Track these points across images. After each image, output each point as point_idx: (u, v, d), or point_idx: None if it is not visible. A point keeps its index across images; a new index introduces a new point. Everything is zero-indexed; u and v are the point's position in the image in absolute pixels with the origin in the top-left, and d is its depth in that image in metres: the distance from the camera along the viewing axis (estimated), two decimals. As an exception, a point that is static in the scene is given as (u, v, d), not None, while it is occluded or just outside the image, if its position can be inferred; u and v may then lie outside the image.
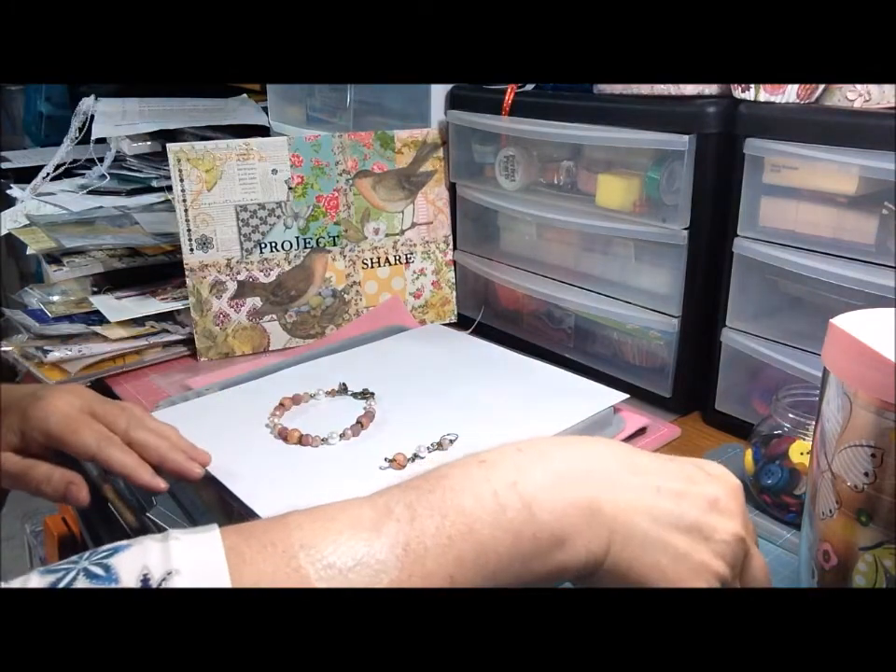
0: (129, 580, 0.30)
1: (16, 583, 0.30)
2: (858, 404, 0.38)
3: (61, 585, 0.30)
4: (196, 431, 0.66)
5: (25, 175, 1.24)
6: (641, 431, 0.70)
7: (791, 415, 0.57)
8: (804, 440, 0.56)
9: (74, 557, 0.31)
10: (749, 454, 0.59)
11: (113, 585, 0.29)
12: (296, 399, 0.71)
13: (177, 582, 0.30)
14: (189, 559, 0.31)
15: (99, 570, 0.30)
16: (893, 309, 0.40)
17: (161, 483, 0.53)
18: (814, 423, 0.43)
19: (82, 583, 0.30)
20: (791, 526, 0.57)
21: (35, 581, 0.30)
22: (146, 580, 0.30)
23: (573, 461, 0.37)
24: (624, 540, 0.36)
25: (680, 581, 0.37)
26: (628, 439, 0.69)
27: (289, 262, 0.90)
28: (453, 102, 0.90)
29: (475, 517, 0.34)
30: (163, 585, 0.30)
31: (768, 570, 0.41)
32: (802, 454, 0.55)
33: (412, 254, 0.95)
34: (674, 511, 0.37)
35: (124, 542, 0.32)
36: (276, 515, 0.35)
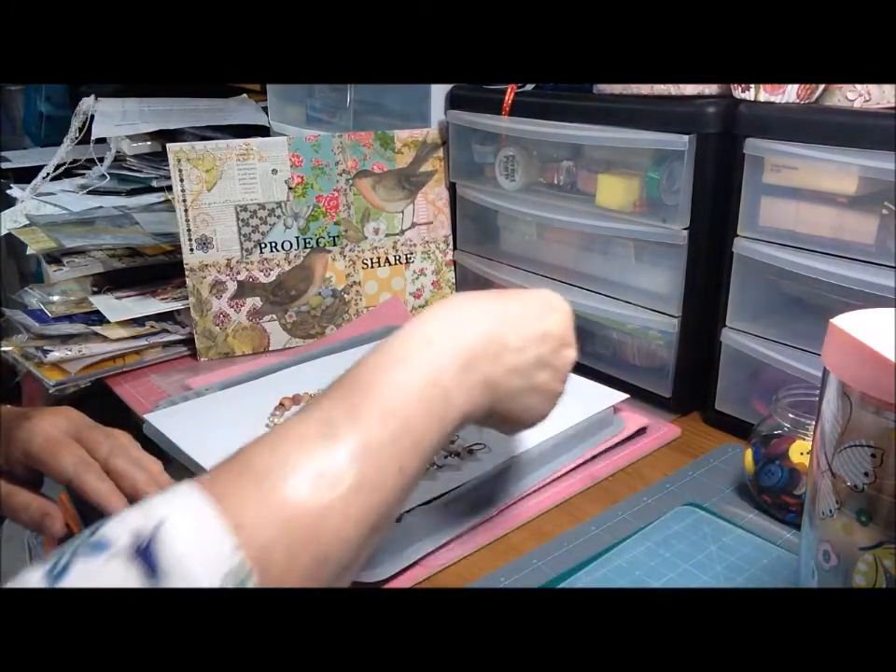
0: (122, 543, 0.31)
1: (17, 582, 0.31)
2: (858, 404, 0.38)
3: (58, 569, 0.31)
4: (196, 431, 0.66)
5: (25, 175, 1.24)
6: (641, 431, 0.70)
7: (791, 415, 0.57)
8: (804, 440, 0.56)
9: (64, 546, 0.32)
10: (748, 454, 0.59)
11: (108, 551, 0.31)
12: (296, 399, 0.71)
13: (168, 529, 0.32)
14: (172, 507, 0.33)
15: (92, 543, 0.32)
16: (893, 309, 0.40)
17: None
18: (814, 423, 0.43)
19: (80, 563, 0.31)
20: (791, 526, 0.57)
21: (34, 574, 0.31)
22: (139, 536, 0.31)
23: (471, 345, 0.45)
24: (504, 397, 0.47)
25: (539, 408, 0.51)
26: (628, 439, 0.69)
27: (289, 262, 0.90)
28: (453, 102, 0.90)
29: (409, 416, 0.40)
30: (157, 535, 0.31)
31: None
32: (802, 454, 0.55)
33: (412, 254, 0.95)
34: (537, 360, 0.49)
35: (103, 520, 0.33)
36: (229, 456, 0.38)
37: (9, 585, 0.31)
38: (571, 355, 0.52)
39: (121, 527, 0.32)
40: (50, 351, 0.84)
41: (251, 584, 0.33)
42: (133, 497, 0.53)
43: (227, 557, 0.32)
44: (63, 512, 0.52)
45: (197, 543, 0.32)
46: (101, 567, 0.31)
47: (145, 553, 0.31)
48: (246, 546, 0.33)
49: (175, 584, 0.31)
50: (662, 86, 0.69)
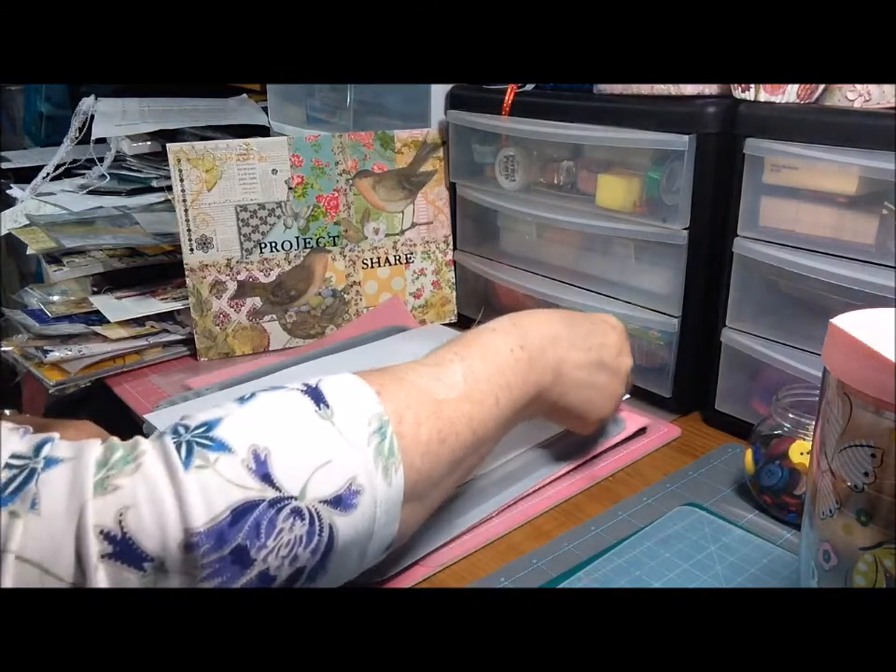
0: (293, 386, 0.43)
1: (216, 406, 0.41)
2: (858, 404, 0.38)
3: (245, 397, 0.42)
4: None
5: (25, 175, 1.24)
6: (641, 431, 0.70)
7: (791, 415, 0.57)
8: (804, 440, 0.56)
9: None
10: (749, 454, 0.59)
11: (284, 389, 0.43)
12: (296, 399, 0.71)
13: (328, 382, 0.43)
14: (326, 376, 0.44)
15: (270, 387, 0.43)
16: (893, 309, 0.40)
17: None
18: (814, 423, 0.43)
19: (263, 394, 0.42)
20: (791, 526, 0.57)
21: (228, 402, 0.41)
22: (306, 384, 0.43)
23: (547, 335, 0.55)
24: (569, 388, 0.57)
25: (601, 405, 0.60)
26: (628, 439, 0.69)
27: (289, 262, 0.90)
28: (453, 102, 0.90)
29: (501, 364, 0.51)
30: (320, 384, 0.43)
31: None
32: (802, 454, 0.55)
33: (412, 254, 0.95)
34: (599, 362, 0.58)
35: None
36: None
37: (208, 412, 0.40)
38: (628, 361, 0.62)
39: (290, 382, 0.43)
40: (50, 351, 0.84)
41: (390, 431, 0.42)
42: None
43: (373, 404, 0.43)
44: None
45: (350, 391, 0.43)
46: (280, 396, 0.42)
47: (314, 392, 0.42)
48: (385, 404, 0.43)
49: (339, 415, 0.41)
50: (662, 86, 0.69)
